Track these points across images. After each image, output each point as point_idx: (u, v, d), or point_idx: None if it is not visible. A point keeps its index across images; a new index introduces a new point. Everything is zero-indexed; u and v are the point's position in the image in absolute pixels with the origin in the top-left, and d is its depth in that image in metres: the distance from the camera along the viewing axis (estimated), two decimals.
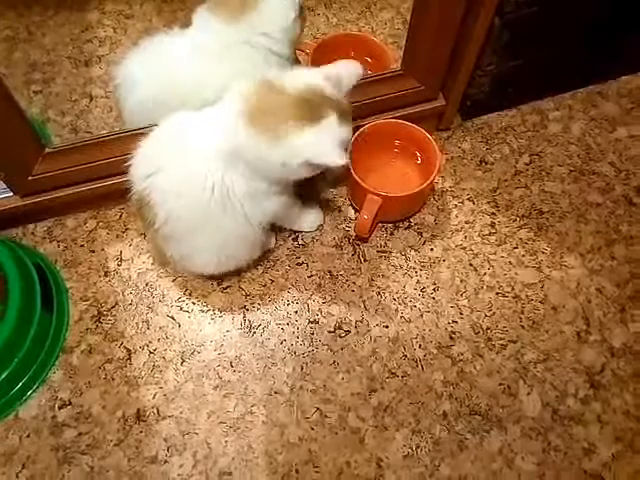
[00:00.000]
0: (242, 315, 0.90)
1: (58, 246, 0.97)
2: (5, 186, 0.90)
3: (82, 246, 0.97)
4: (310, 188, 0.95)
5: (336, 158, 0.68)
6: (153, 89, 0.88)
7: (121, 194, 0.95)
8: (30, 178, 0.89)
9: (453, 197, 1.00)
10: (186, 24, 0.92)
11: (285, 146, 0.69)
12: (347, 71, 0.74)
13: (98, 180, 0.93)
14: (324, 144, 0.69)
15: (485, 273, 0.92)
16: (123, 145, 0.90)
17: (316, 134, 0.69)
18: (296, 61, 0.97)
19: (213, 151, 0.73)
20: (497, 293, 0.90)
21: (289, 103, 0.69)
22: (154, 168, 0.75)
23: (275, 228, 0.93)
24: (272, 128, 0.68)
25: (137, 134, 0.89)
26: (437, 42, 0.88)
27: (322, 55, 1.07)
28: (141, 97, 0.89)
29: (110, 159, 0.91)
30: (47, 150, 0.88)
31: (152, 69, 0.90)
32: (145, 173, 0.75)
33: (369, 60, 1.12)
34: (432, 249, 0.95)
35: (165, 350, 0.87)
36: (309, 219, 0.95)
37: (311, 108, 0.69)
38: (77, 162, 0.90)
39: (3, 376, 0.80)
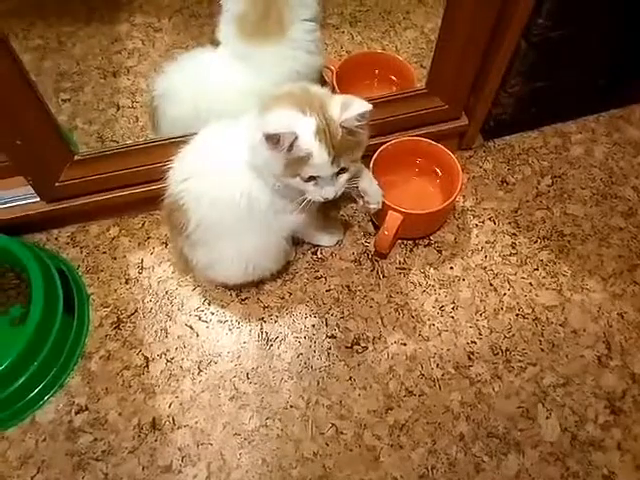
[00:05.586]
0: (260, 327, 0.90)
1: (81, 252, 0.98)
2: (32, 191, 0.92)
3: (104, 253, 0.98)
4: (331, 203, 0.95)
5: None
6: (194, 99, 0.91)
7: (144, 203, 0.97)
8: (57, 184, 0.90)
9: (474, 216, 1.00)
10: (214, 40, 0.95)
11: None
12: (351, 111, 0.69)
13: (123, 188, 0.95)
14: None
15: (505, 294, 0.91)
16: (149, 155, 0.91)
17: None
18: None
19: (243, 163, 0.74)
20: (517, 314, 0.89)
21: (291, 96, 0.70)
22: (190, 173, 0.77)
23: (295, 241, 0.93)
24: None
25: (163, 144, 0.91)
26: (463, 62, 0.89)
27: (347, 72, 1.09)
28: (182, 106, 0.92)
29: (135, 168, 0.92)
30: (76, 157, 0.89)
31: (193, 80, 0.92)
32: (181, 177, 0.77)
33: (393, 78, 1.13)
34: (452, 268, 0.94)
35: (182, 359, 0.87)
36: (329, 234, 0.96)
37: (306, 103, 0.68)
38: (104, 170, 0.92)
39: (22, 379, 0.80)
